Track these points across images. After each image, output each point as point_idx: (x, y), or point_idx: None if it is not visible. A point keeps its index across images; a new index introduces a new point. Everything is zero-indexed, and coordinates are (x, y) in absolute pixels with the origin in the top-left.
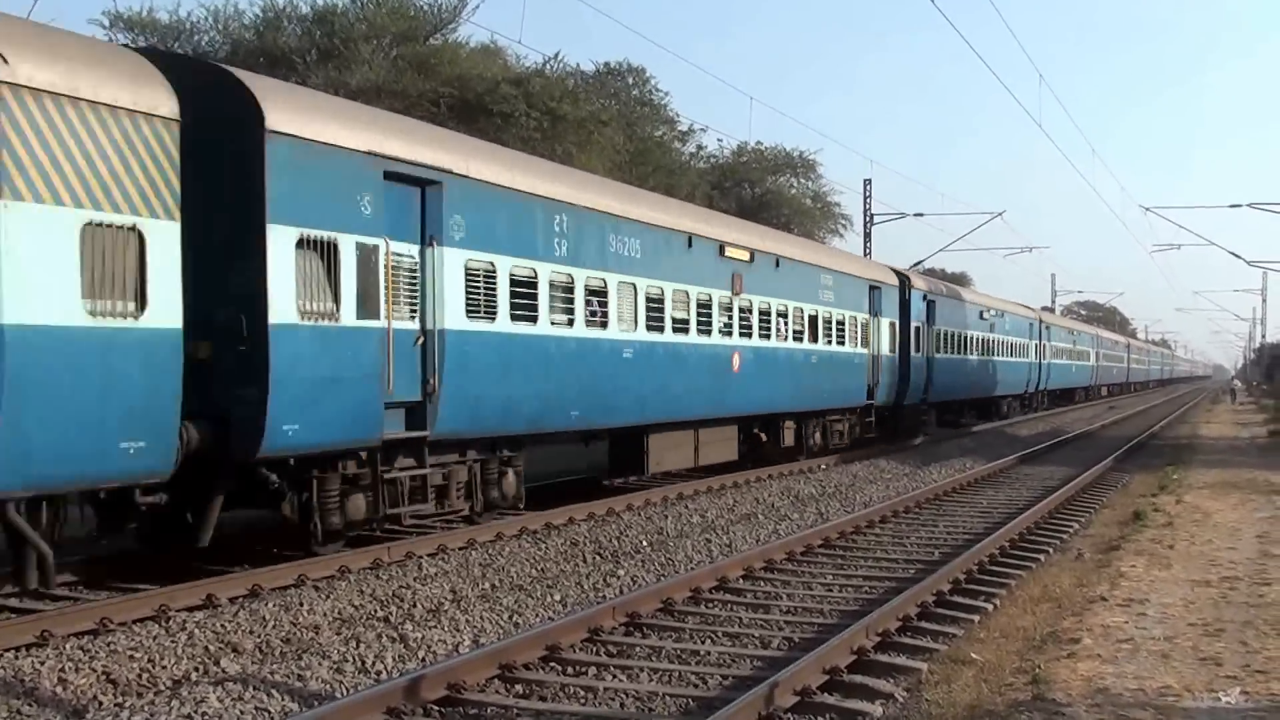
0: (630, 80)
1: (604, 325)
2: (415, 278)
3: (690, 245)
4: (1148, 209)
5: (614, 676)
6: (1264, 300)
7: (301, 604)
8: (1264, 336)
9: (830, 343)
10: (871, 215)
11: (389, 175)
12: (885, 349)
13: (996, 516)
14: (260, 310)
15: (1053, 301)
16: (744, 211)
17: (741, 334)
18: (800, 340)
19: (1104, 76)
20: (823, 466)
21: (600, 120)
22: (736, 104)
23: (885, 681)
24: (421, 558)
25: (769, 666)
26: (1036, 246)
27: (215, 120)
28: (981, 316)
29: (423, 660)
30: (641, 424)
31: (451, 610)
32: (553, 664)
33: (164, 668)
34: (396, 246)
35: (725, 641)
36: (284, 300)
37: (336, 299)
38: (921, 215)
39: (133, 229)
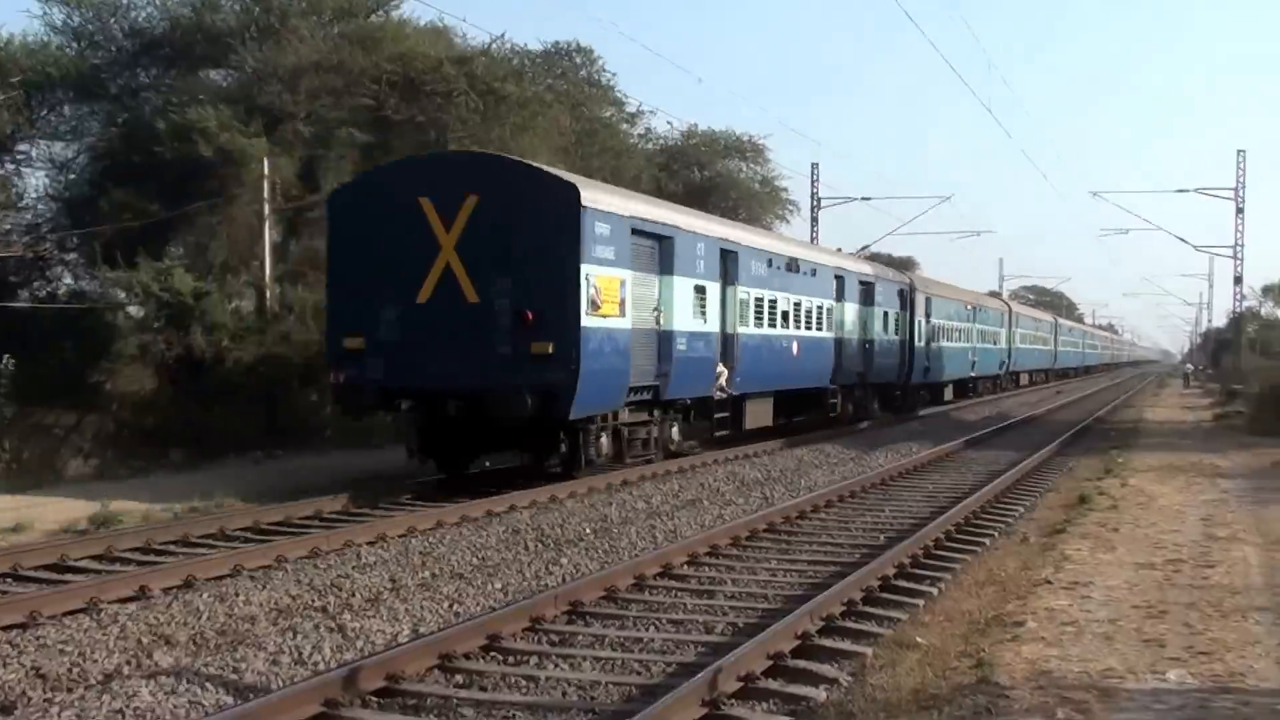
0: (578, 60)
1: (755, 324)
2: (655, 296)
3: (787, 264)
4: (1095, 194)
5: (556, 665)
6: (1210, 285)
7: (237, 594)
8: (1210, 321)
9: (862, 331)
10: (819, 199)
11: (634, 231)
12: (897, 337)
13: (942, 501)
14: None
15: (1000, 286)
16: (691, 195)
17: (795, 326)
18: (833, 329)
19: (1055, 62)
20: (769, 451)
21: (544, 101)
22: (685, 86)
23: (830, 666)
24: (360, 546)
25: (713, 653)
26: (984, 231)
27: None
28: (966, 307)
29: (361, 651)
30: (744, 394)
31: (390, 599)
32: (493, 653)
33: (94, 661)
34: (638, 277)
35: (669, 628)
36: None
37: (619, 308)
38: (869, 199)
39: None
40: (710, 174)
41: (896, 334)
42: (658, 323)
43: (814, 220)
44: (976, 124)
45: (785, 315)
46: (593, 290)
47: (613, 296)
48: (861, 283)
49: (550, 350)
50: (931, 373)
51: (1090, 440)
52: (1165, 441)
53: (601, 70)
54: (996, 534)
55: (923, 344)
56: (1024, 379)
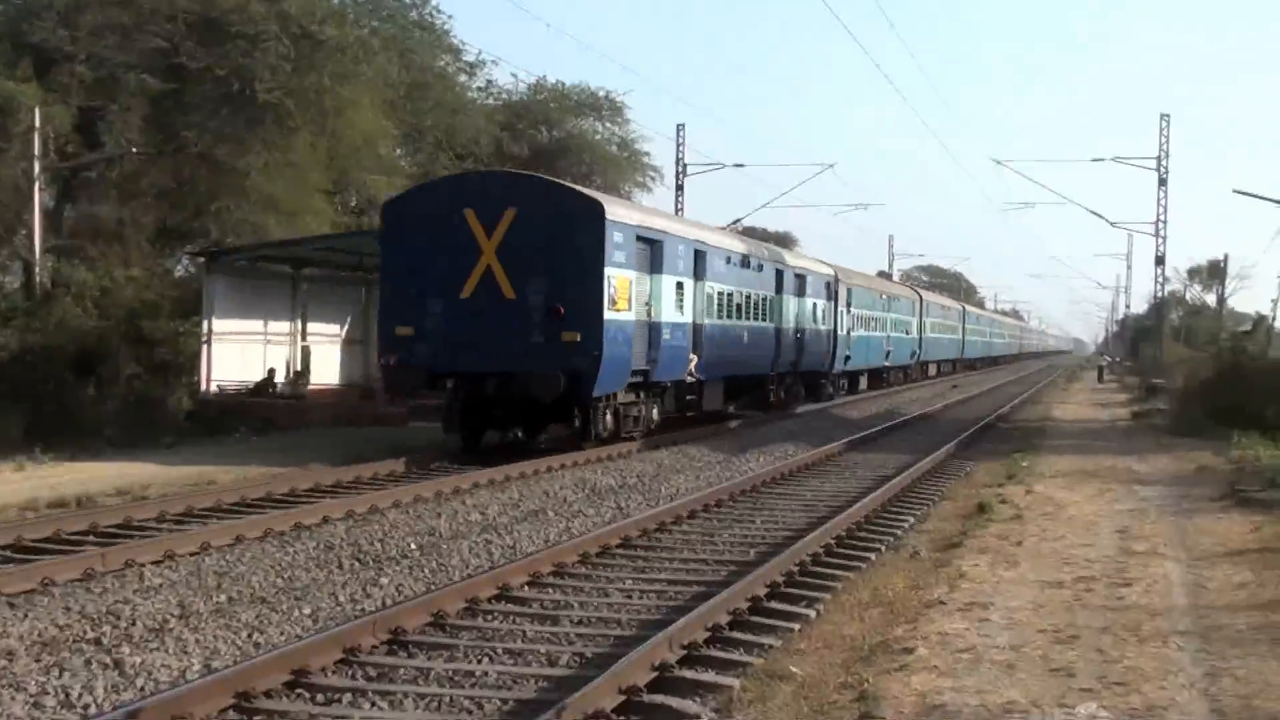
0: (407, 0)
1: (718, 316)
2: (648, 292)
3: (742, 261)
4: (999, 162)
5: (373, 705)
6: (1129, 267)
7: None
8: (1128, 306)
9: (796, 321)
10: (684, 165)
11: (638, 238)
12: (824, 326)
13: (821, 510)
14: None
15: (889, 265)
16: (539, 158)
17: (746, 317)
18: (774, 319)
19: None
20: (624, 454)
21: (369, 47)
22: (534, 33)
23: (691, 701)
24: (143, 566)
25: (556, 688)
26: (872, 204)
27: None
28: (881, 297)
29: (142, 690)
30: (703, 379)
31: (179, 629)
32: (299, 691)
33: None
34: (638, 276)
35: (506, 660)
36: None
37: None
38: (742, 166)
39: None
40: (560, 134)
41: (824, 324)
42: (649, 315)
43: (679, 189)
44: (868, 86)
45: (739, 308)
46: (612, 289)
47: (625, 294)
48: (797, 275)
49: (578, 339)
50: (852, 361)
51: (991, 441)
52: (1076, 443)
53: (435, 11)
54: (883, 548)
55: (844, 334)
56: (932, 369)
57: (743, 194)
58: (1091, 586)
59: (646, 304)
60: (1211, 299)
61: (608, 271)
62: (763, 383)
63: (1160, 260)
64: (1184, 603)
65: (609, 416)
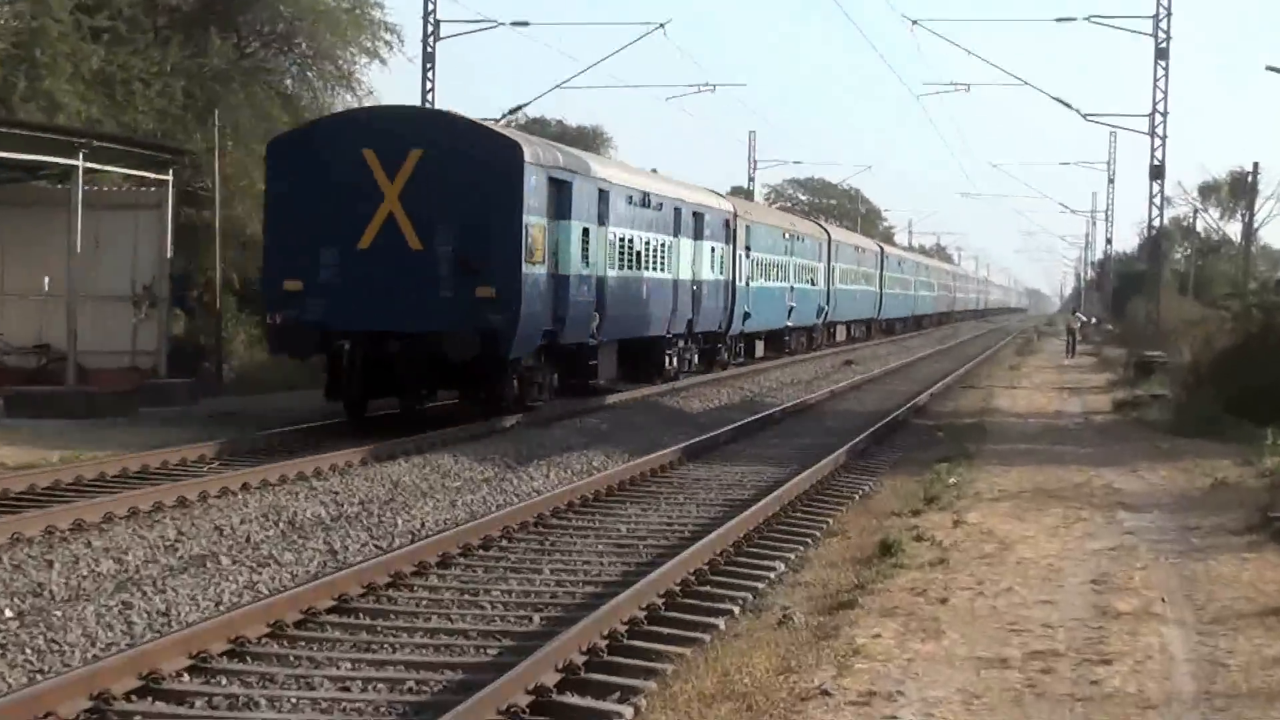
0: None
1: (618, 267)
2: (554, 240)
3: (642, 199)
4: (918, 23)
5: None
6: (1110, 180)
7: None
8: (1109, 242)
9: (693, 271)
10: (436, 24)
11: (550, 180)
12: (721, 275)
13: (641, 554)
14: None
15: (750, 175)
16: (210, 8)
17: (646, 267)
18: (671, 269)
19: None
20: (344, 465)
21: None
22: None
23: None
24: None
25: None
26: (725, 84)
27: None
28: (785, 236)
29: None
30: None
31: None
32: None
33: None
34: (549, 224)
35: None
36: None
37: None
38: (524, 26)
39: None
40: None
41: (722, 273)
42: (556, 267)
43: (427, 60)
44: None
45: (639, 255)
46: (529, 240)
47: (540, 245)
48: (695, 214)
49: (494, 294)
50: (751, 320)
51: (903, 446)
52: (1031, 449)
53: None
54: (738, 609)
55: (744, 285)
56: (840, 333)
57: (526, 68)
58: (1052, 666)
59: (554, 254)
60: (1234, 230)
61: (526, 220)
62: (657, 347)
63: (1158, 172)
64: (1191, 689)
65: (515, 382)
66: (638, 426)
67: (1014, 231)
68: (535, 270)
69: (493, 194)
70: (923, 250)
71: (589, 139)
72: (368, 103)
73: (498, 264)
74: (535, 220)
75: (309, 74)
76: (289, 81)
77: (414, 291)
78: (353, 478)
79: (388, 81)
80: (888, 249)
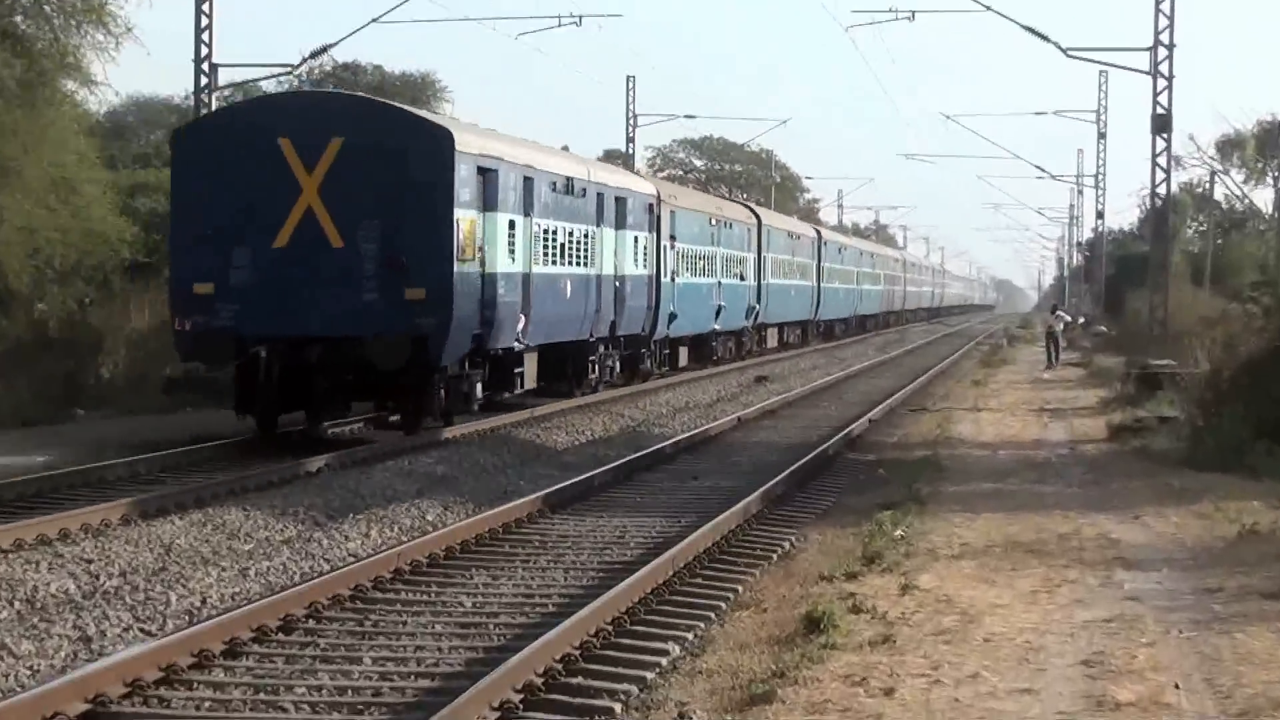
0: None
1: (544, 262)
2: (481, 235)
3: (566, 186)
4: None
5: None
6: (1101, 135)
7: None
8: (1100, 216)
9: (615, 265)
10: None
11: (479, 169)
12: (645, 270)
13: (492, 637)
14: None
15: (629, 133)
16: None
17: (568, 261)
18: (594, 263)
19: None
20: (99, 525)
21: None
22: None
23: None
24: None
25: None
26: (593, 14)
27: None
28: (711, 222)
29: None
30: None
31: None
32: None
33: None
34: (478, 215)
35: None
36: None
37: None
38: None
39: None
40: None
41: (645, 267)
42: (483, 265)
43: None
44: None
45: (563, 249)
46: (460, 235)
47: (471, 240)
48: (617, 199)
49: (423, 296)
50: (678, 322)
51: (833, 488)
52: (1001, 489)
53: None
54: (619, 708)
55: (669, 281)
56: (772, 338)
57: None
58: None
59: (481, 250)
60: (1263, 199)
61: (457, 214)
62: (581, 353)
63: (1163, 123)
64: None
65: (442, 391)
66: (484, 468)
67: (976, 204)
68: (466, 269)
69: (421, 186)
70: (858, 232)
71: (417, 89)
72: (128, 50)
73: (428, 262)
74: (466, 214)
75: (46, 7)
76: (19, 19)
77: (336, 293)
78: (111, 541)
79: (154, 20)
80: (826, 234)
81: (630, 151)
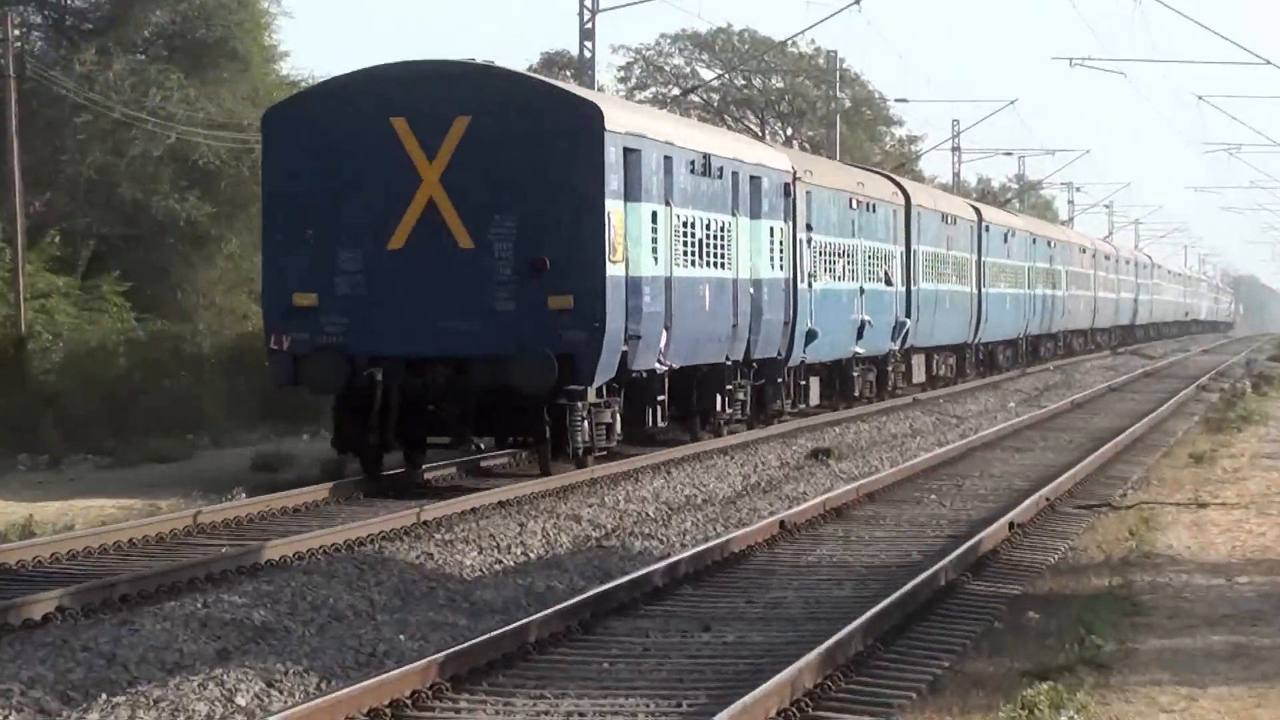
0: None
1: (685, 264)
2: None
3: (703, 164)
4: None
5: None
6: None
7: None
8: None
9: (758, 266)
10: None
11: (625, 150)
12: (782, 273)
13: None
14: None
15: (584, 19)
16: None
17: (705, 263)
18: (731, 265)
19: None
20: None
21: None
22: None
23: None
24: None
25: None
26: None
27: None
28: (852, 204)
29: None
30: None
31: None
32: None
33: None
34: (625, 207)
35: None
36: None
37: None
38: None
39: None
40: None
41: (782, 269)
42: (626, 267)
43: None
44: None
45: (701, 245)
46: (611, 232)
47: (620, 238)
48: (752, 179)
49: (571, 304)
50: (816, 343)
51: (945, 645)
52: (1243, 642)
53: None
54: None
55: (806, 287)
56: (918, 369)
57: None
58: None
59: (625, 248)
60: None
61: (608, 206)
62: (714, 380)
63: None
64: None
65: (586, 423)
66: (335, 611)
67: (1191, 148)
68: (617, 271)
69: (566, 172)
70: (988, 196)
71: None
72: None
73: (575, 264)
74: (615, 205)
75: None
76: None
77: (465, 303)
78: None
79: None
80: (988, 213)
81: (587, 56)
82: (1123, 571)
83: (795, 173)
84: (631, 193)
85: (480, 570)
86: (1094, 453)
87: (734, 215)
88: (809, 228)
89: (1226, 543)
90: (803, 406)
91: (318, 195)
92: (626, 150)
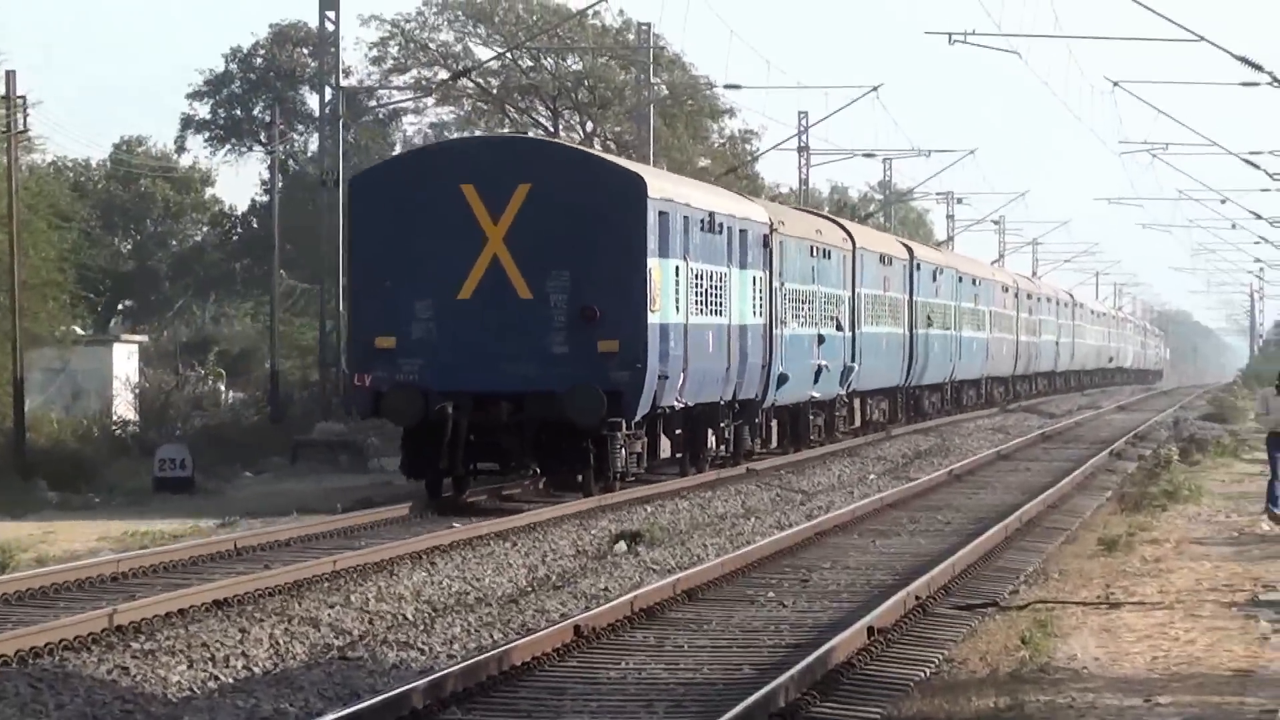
0: None
1: (696, 311)
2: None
3: (709, 223)
4: None
5: None
6: None
7: None
8: None
9: (744, 312)
10: None
11: (659, 213)
12: (759, 319)
13: None
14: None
15: None
16: None
17: (709, 310)
18: (727, 311)
19: None
20: None
21: None
22: None
23: None
24: None
25: None
26: None
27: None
28: (812, 252)
29: None
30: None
31: None
32: None
33: None
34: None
35: None
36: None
37: None
38: None
39: None
40: None
41: (759, 314)
42: (660, 316)
43: None
44: None
45: (706, 295)
46: (651, 285)
47: (658, 290)
48: (740, 232)
49: (616, 348)
50: (785, 386)
51: None
52: None
53: None
54: None
55: (779, 332)
56: (857, 413)
57: None
58: None
59: (661, 300)
60: None
61: (650, 263)
62: (710, 419)
63: None
64: None
65: (624, 451)
66: None
67: (1093, 150)
68: (655, 320)
69: (613, 233)
70: (834, 210)
71: None
72: None
73: (621, 313)
74: (654, 262)
75: None
76: None
77: (524, 346)
78: None
79: None
80: (920, 253)
81: (329, 29)
82: (1012, 690)
83: (772, 224)
84: (663, 250)
85: (190, 688)
86: (978, 537)
87: (728, 266)
88: (782, 275)
89: (1145, 652)
90: (771, 447)
91: (397, 251)
92: (660, 214)
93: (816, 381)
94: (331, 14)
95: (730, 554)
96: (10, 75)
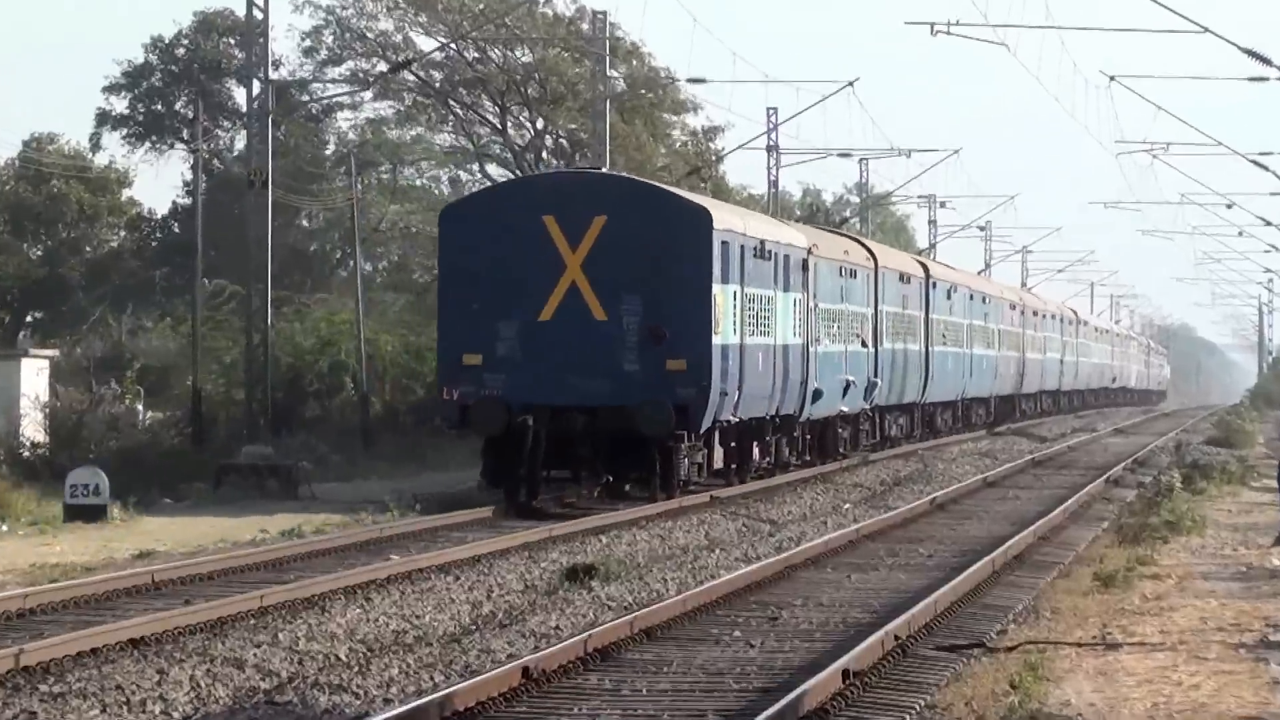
0: None
1: (752, 331)
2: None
3: (760, 250)
4: None
5: None
6: None
7: None
8: None
9: (787, 332)
10: None
11: (721, 243)
12: (798, 339)
13: None
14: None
15: None
16: None
17: (760, 331)
18: (774, 331)
19: None
20: None
21: None
22: None
23: None
24: None
25: None
26: None
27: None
28: (842, 272)
29: None
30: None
31: None
32: None
33: None
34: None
35: None
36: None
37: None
38: None
39: None
40: None
41: (798, 335)
42: (722, 337)
43: None
44: None
45: (756, 317)
46: (715, 309)
47: (721, 314)
48: (784, 258)
49: (684, 367)
50: (820, 401)
51: None
52: None
53: None
54: None
55: (815, 350)
56: (878, 427)
57: None
58: None
59: (722, 323)
60: None
61: (715, 290)
62: (756, 433)
63: None
64: None
65: (686, 461)
66: None
67: (1088, 150)
68: (718, 341)
69: (682, 262)
70: (805, 216)
71: None
72: None
73: (688, 335)
74: (718, 289)
75: None
76: None
77: (599, 364)
78: None
79: None
80: (935, 271)
81: (258, 16)
82: None
83: (810, 249)
84: (724, 277)
85: None
86: (963, 572)
87: (775, 290)
88: (816, 296)
89: (1145, 698)
90: (808, 458)
91: (483, 276)
92: (723, 243)
93: (845, 396)
94: (260, 0)
95: (693, 589)
96: None
